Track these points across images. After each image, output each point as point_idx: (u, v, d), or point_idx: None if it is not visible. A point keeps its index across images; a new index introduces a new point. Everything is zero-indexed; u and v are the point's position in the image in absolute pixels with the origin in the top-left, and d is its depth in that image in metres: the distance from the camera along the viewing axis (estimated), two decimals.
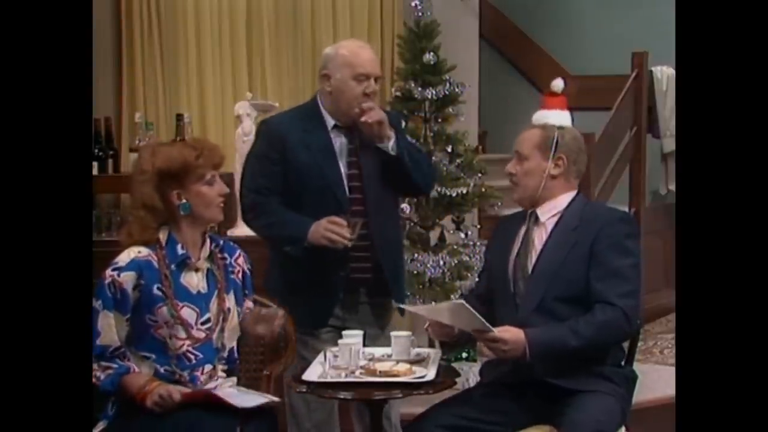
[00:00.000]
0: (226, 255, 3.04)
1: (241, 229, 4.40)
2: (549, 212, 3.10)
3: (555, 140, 3.08)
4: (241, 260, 3.08)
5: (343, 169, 3.43)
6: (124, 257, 2.88)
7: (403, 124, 4.10)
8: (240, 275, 3.07)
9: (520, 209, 3.20)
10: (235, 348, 3.04)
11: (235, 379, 3.04)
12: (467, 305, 2.83)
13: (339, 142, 3.46)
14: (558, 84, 3.24)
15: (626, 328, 2.97)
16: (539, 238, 3.08)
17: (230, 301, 3.00)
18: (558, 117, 3.16)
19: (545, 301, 2.99)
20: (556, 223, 3.08)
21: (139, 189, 2.91)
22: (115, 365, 2.84)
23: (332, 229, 3.28)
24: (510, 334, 2.88)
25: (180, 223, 2.93)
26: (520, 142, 3.14)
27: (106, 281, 2.84)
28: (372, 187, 3.46)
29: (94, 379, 2.80)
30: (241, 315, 3.05)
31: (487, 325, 2.85)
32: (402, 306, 3.05)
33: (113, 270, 2.85)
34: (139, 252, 2.88)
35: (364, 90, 3.39)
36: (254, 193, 3.45)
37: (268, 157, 3.44)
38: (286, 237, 3.39)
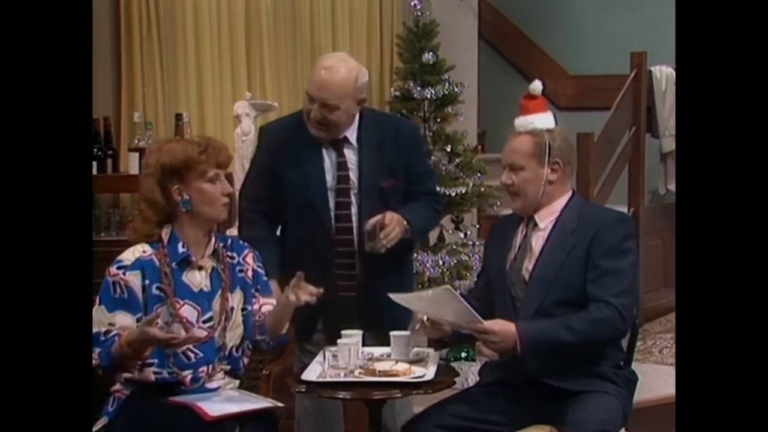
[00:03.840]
0: (233, 254, 3.02)
1: None
2: (547, 218, 3.08)
3: (548, 146, 3.06)
4: (249, 258, 3.05)
5: (330, 184, 3.32)
6: (129, 256, 2.88)
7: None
8: (250, 273, 3.03)
9: None
10: (242, 355, 3.01)
11: (237, 382, 3.02)
12: (453, 291, 2.82)
13: (329, 155, 3.34)
14: (537, 86, 3.19)
15: (620, 326, 2.96)
16: (537, 242, 3.07)
17: (234, 300, 2.97)
18: (543, 120, 3.13)
19: (544, 305, 2.98)
20: (554, 226, 3.07)
21: (143, 183, 2.92)
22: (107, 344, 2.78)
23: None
24: (500, 326, 2.88)
25: (182, 221, 2.92)
26: (512, 152, 3.10)
27: (110, 280, 2.83)
28: (363, 202, 3.32)
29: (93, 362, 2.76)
30: (253, 313, 3.00)
31: (476, 315, 2.84)
32: (391, 295, 2.97)
33: (118, 268, 2.85)
34: (144, 251, 2.88)
35: (311, 112, 3.25)
36: (246, 200, 3.44)
37: (262, 165, 3.42)
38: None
